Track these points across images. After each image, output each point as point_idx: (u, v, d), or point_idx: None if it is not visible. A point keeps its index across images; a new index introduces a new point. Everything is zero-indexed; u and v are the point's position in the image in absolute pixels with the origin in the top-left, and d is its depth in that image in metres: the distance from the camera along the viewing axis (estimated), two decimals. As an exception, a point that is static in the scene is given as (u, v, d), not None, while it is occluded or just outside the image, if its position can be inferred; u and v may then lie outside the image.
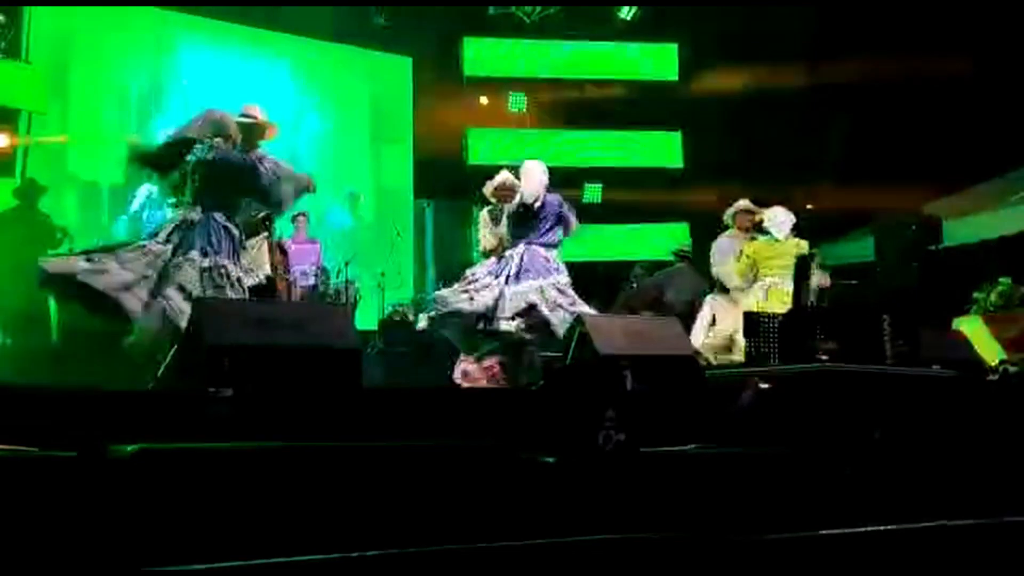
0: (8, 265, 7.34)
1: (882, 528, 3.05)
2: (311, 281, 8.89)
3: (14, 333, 7.01)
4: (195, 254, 5.02)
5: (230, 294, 5.04)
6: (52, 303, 7.58)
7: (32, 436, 2.69)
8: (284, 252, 6.82)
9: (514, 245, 6.25)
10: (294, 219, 9.15)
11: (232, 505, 2.51)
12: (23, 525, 2.26)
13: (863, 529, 3.04)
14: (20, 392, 3.34)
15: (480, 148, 12.60)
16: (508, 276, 6.07)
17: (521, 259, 6.11)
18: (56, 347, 7.00)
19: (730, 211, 7.90)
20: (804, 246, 7.14)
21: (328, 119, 12.04)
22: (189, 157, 5.20)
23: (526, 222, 6.25)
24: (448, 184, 12.11)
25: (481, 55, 12.77)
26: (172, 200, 5.60)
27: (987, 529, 3.29)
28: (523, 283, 6.02)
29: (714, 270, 7.81)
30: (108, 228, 10.03)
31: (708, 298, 7.82)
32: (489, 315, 6.01)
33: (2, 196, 8.25)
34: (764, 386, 3.89)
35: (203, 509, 2.46)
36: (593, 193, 13.00)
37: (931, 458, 3.61)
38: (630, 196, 12.70)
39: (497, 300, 5.99)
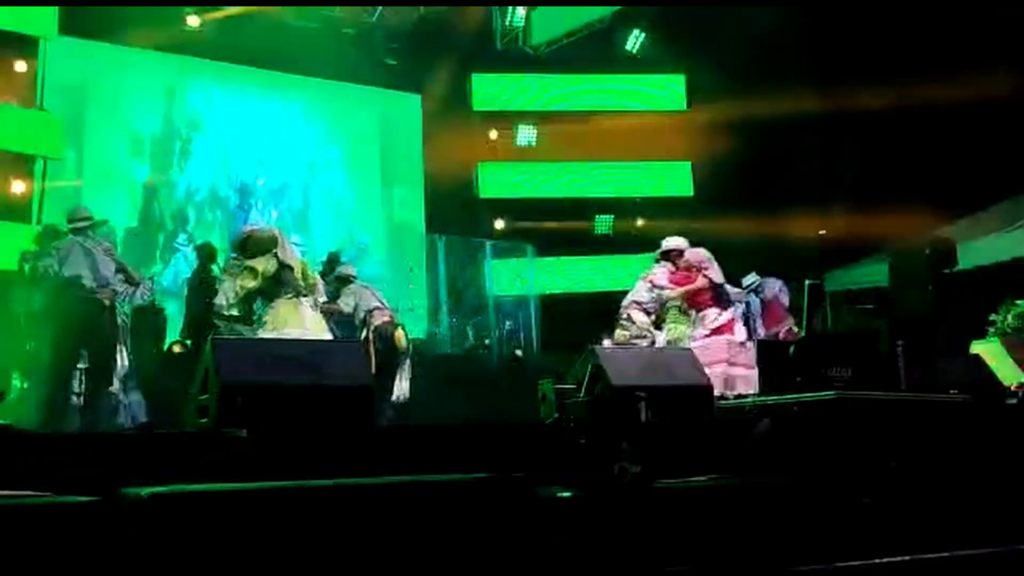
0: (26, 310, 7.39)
1: (900, 559, 3.01)
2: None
3: (32, 378, 7.02)
4: None
5: None
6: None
7: (51, 481, 2.70)
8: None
9: None
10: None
11: (247, 546, 2.51)
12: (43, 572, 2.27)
13: (881, 560, 2.99)
14: (38, 438, 3.36)
15: (490, 181, 12.71)
16: None
17: None
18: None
19: None
20: None
21: (340, 157, 12.13)
22: None
23: None
24: (460, 218, 12.17)
25: (490, 90, 12.89)
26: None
27: (1009, 557, 3.23)
28: None
29: None
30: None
31: None
32: None
33: (20, 241, 8.31)
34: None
35: (219, 550, 2.46)
36: (604, 224, 13.05)
37: (950, 485, 3.57)
38: (642, 226, 12.74)
39: None
